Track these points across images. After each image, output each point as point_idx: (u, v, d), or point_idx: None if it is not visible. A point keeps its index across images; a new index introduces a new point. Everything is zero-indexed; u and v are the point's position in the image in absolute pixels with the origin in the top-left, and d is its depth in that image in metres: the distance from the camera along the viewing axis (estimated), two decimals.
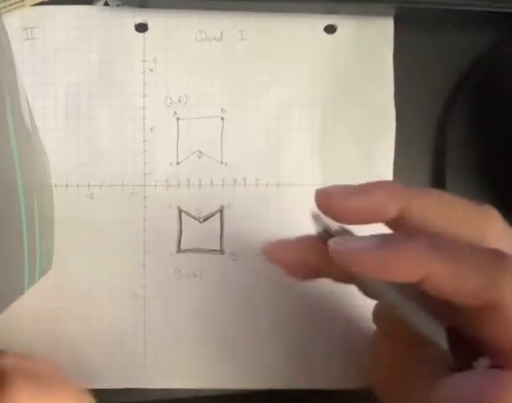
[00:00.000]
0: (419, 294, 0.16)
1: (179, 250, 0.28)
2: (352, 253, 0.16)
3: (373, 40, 0.28)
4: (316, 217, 0.19)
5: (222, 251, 0.28)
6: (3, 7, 0.27)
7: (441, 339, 0.16)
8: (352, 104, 0.28)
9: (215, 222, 0.28)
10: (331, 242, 0.17)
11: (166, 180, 0.28)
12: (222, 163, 0.28)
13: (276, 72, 0.28)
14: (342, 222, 0.18)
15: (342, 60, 0.28)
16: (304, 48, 0.28)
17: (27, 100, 0.23)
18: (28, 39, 0.28)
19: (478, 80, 0.28)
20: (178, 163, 0.28)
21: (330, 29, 0.28)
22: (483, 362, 0.16)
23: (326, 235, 0.19)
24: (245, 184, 0.28)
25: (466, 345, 0.17)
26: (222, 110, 0.28)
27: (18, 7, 0.27)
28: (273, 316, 0.27)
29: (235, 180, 0.28)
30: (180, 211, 0.28)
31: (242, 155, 0.28)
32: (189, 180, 0.28)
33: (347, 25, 0.28)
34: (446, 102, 0.28)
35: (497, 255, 0.16)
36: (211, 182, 0.28)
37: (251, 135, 0.28)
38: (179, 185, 0.28)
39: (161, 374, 0.27)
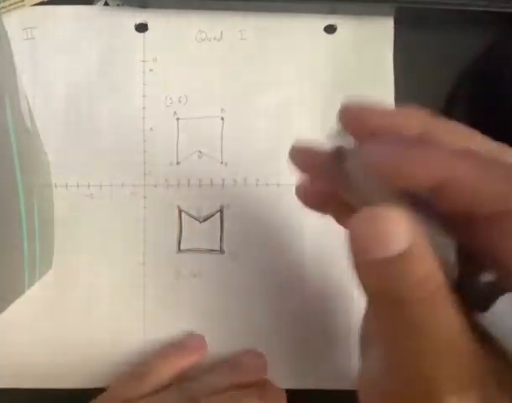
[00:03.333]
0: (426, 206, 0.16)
1: (179, 250, 0.28)
2: (380, 152, 0.16)
3: (373, 40, 0.28)
4: (333, 137, 0.19)
5: (221, 251, 0.28)
6: (3, 7, 0.27)
7: (449, 251, 0.16)
8: None
9: (215, 222, 0.28)
10: (365, 145, 0.16)
11: (166, 180, 0.28)
12: (222, 163, 0.28)
13: (276, 72, 0.28)
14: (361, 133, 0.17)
15: (342, 60, 0.28)
16: (304, 48, 0.28)
17: (27, 100, 0.23)
18: (28, 39, 0.28)
19: (477, 79, 0.28)
20: (178, 163, 0.28)
21: (330, 29, 0.28)
22: (488, 276, 0.16)
23: (339, 154, 0.18)
24: (245, 184, 0.28)
25: (467, 260, 0.16)
26: (222, 110, 0.28)
27: (18, 7, 0.27)
28: (273, 316, 0.27)
29: (235, 180, 0.28)
30: (180, 211, 0.28)
31: (242, 155, 0.28)
32: (189, 180, 0.28)
33: (347, 25, 0.28)
34: (445, 101, 0.28)
35: None
36: (211, 182, 0.28)
37: (251, 135, 0.28)
38: (179, 185, 0.28)
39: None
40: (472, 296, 0.15)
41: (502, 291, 0.15)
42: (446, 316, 0.14)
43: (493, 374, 0.14)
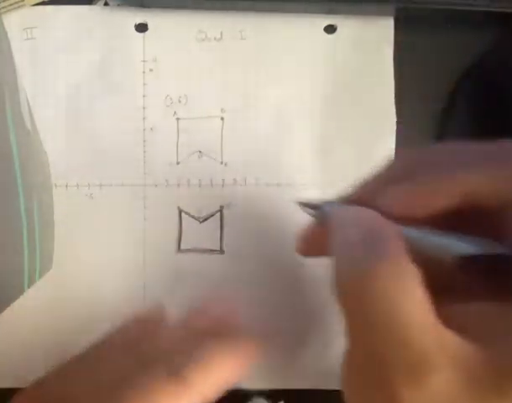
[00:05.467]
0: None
1: (179, 250, 0.28)
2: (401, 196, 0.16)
3: (373, 40, 0.28)
4: (303, 204, 0.20)
5: (221, 251, 0.28)
6: (3, 7, 0.27)
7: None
8: (353, 104, 0.28)
9: (215, 222, 0.28)
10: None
11: (166, 180, 0.28)
12: (222, 163, 0.28)
13: (276, 72, 0.28)
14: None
15: (342, 60, 0.28)
16: (304, 48, 0.28)
17: (27, 100, 0.23)
18: (28, 39, 0.28)
19: (477, 79, 0.28)
20: (178, 163, 0.28)
21: (330, 29, 0.28)
22: None
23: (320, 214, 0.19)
24: (245, 184, 0.28)
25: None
26: (222, 110, 0.28)
27: (18, 7, 0.27)
28: (273, 316, 0.27)
29: (235, 180, 0.28)
30: (180, 211, 0.28)
31: (242, 155, 0.28)
32: (189, 180, 0.28)
33: (347, 25, 0.28)
34: (446, 101, 0.28)
35: None
36: (211, 182, 0.28)
37: (251, 135, 0.28)
38: (179, 185, 0.28)
39: None
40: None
41: None
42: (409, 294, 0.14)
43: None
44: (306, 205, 0.20)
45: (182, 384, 0.19)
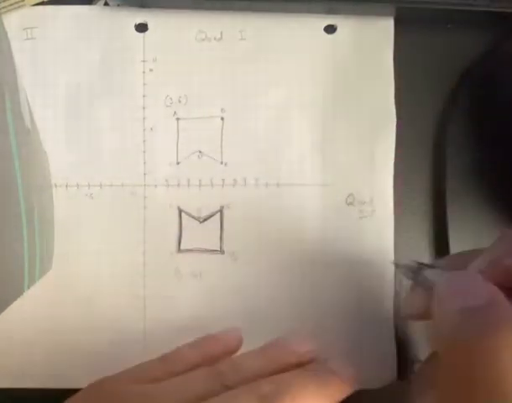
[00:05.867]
0: None
1: (179, 250, 0.28)
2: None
3: (373, 40, 0.28)
4: (401, 268, 0.21)
5: (221, 251, 0.28)
6: (3, 7, 0.27)
7: None
8: (353, 104, 0.28)
9: (215, 222, 0.28)
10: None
11: (166, 180, 0.28)
12: (222, 163, 0.28)
13: (276, 72, 0.28)
14: None
15: (342, 60, 0.28)
16: (304, 48, 0.28)
17: (27, 100, 0.23)
18: (28, 39, 0.28)
19: (477, 80, 0.28)
20: (178, 163, 0.28)
21: (330, 29, 0.28)
22: None
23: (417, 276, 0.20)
24: (245, 184, 0.28)
25: None
26: (222, 110, 0.28)
27: (19, 7, 0.27)
28: (273, 316, 0.27)
29: (235, 180, 0.28)
30: (180, 211, 0.28)
31: (242, 155, 0.28)
32: (189, 180, 0.28)
33: (347, 25, 0.28)
34: (446, 101, 0.28)
35: None
36: (211, 182, 0.28)
37: (251, 135, 0.28)
38: (179, 185, 0.28)
39: None
40: None
41: None
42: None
43: None
44: (405, 267, 0.21)
45: None
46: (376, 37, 0.28)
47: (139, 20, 0.28)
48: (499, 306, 0.16)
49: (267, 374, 0.22)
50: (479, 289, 0.17)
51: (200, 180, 0.28)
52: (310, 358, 0.23)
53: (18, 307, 0.22)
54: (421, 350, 0.27)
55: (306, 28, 0.28)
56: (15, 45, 0.21)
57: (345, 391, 0.22)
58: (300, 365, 0.23)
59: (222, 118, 0.28)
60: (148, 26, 0.28)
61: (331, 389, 0.21)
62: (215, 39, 0.28)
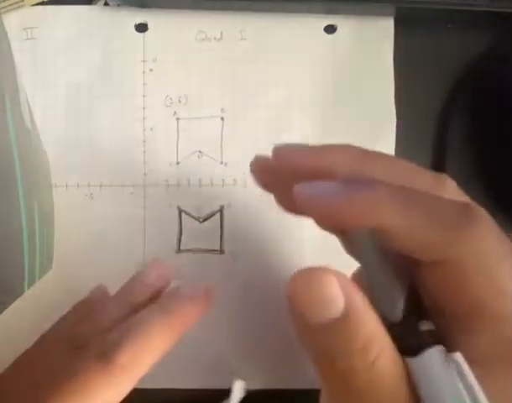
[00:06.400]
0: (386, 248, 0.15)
1: (179, 250, 0.28)
2: (310, 199, 0.16)
3: (373, 40, 0.28)
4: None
5: (221, 251, 0.28)
6: (3, 7, 0.27)
7: (398, 295, 0.16)
8: (352, 104, 0.28)
9: (215, 222, 0.28)
10: (296, 186, 0.16)
11: (166, 180, 0.28)
12: (221, 163, 0.28)
13: (276, 72, 0.28)
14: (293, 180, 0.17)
15: (342, 60, 0.28)
16: (304, 48, 0.28)
17: (27, 100, 0.23)
18: (28, 39, 0.28)
19: (477, 80, 0.28)
20: (178, 163, 0.28)
21: (330, 29, 0.28)
22: (427, 324, 0.15)
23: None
24: (245, 184, 0.28)
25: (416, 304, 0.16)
26: (222, 110, 0.28)
27: (18, 7, 0.27)
28: (273, 316, 0.27)
29: (235, 180, 0.28)
30: (180, 211, 0.28)
31: (243, 155, 0.28)
32: (189, 180, 0.28)
33: (347, 25, 0.28)
34: (446, 102, 0.28)
35: (463, 207, 0.15)
36: (211, 182, 0.28)
37: (251, 135, 0.28)
38: (179, 185, 0.28)
39: (160, 373, 0.27)
40: (409, 340, 0.15)
41: (436, 342, 0.15)
42: (390, 381, 0.14)
43: None
44: None
45: (111, 367, 0.18)
46: (376, 37, 0.28)
47: (139, 20, 0.28)
48: (354, 319, 0.14)
49: (126, 317, 0.21)
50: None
51: (200, 180, 0.28)
52: (161, 286, 0.23)
53: (18, 307, 0.22)
54: None
55: (306, 28, 0.28)
56: (15, 45, 0.21)
57: (193, 316, 0.21)
58: (159, 295, 0.22)
59: (222, 118, 0.28)
60: (148, 26, 0.28)
61: (176, 319, 0.20)
62: (215, 39, 0.28)
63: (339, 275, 0.14)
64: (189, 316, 0.21)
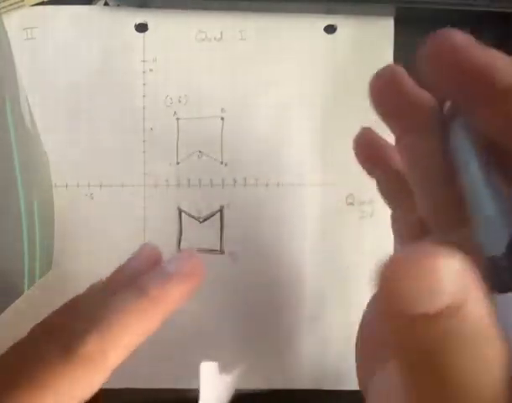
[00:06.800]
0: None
1: (179, 250, 0.28)
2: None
3: (373, 40, 0.28)
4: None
5: (221, 251, 0.28)
6: (3, 7, 0.27)
7: (500, 242, 0.13)
8: (353, 104, 0.28)
9: (215, 222, 0.28)
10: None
11: (166, 180, 0.28)
12: (221, 163, 0.28)
13: (276, 72, 0.28)
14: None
15: (342, 60, 0.28)
16: (304, 48, 0.28)
17: (27, 100, 0.23)
18: (28, 39, 0.28)
19: None
20: (178, 163, 0.28)
21: (330, 29, 0.28)
22: None
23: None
24: (245, 184, 0.28)
25: None
26: (222, 110, 0.28)
27: (18, 7, 0.27)
28: (273, 316, 0.27)
29: (235, 180, 0.28)
30: (180, 211, 0.28)
31: (242, 155, 0.28)
32: (189, 180, 0.28)
33: (347, 25, 0.28)
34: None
35: None
36: (211, 182, 0.28)
37: (251, 135, 0.28)
38: (179, 185, 0.28)
39: (160, 374, 0.27)
40: (505, 277, 0.13)
41: None
42: (493, 381, 0.11)
43: None
44: None
45: (75, 358, 0.16)
46: (376, 37, 0.28)
47: (139, 20, 0.28)
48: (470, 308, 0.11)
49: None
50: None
51: (200, 180, 0.28)
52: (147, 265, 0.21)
53: (18, 307, 0.22)
54: None
55: (306, 28, 0.28)
56: (15, 45, 0.21)
57: (177, 298, 0.19)
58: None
59: (222, 118, 0.28)
60: (148, 26, 0.28)
61: (156, 303, 0.18)
62: (215, 39, 0.28)
63: (452, 256, 0.11)
64: (172, 299, 0.19)
